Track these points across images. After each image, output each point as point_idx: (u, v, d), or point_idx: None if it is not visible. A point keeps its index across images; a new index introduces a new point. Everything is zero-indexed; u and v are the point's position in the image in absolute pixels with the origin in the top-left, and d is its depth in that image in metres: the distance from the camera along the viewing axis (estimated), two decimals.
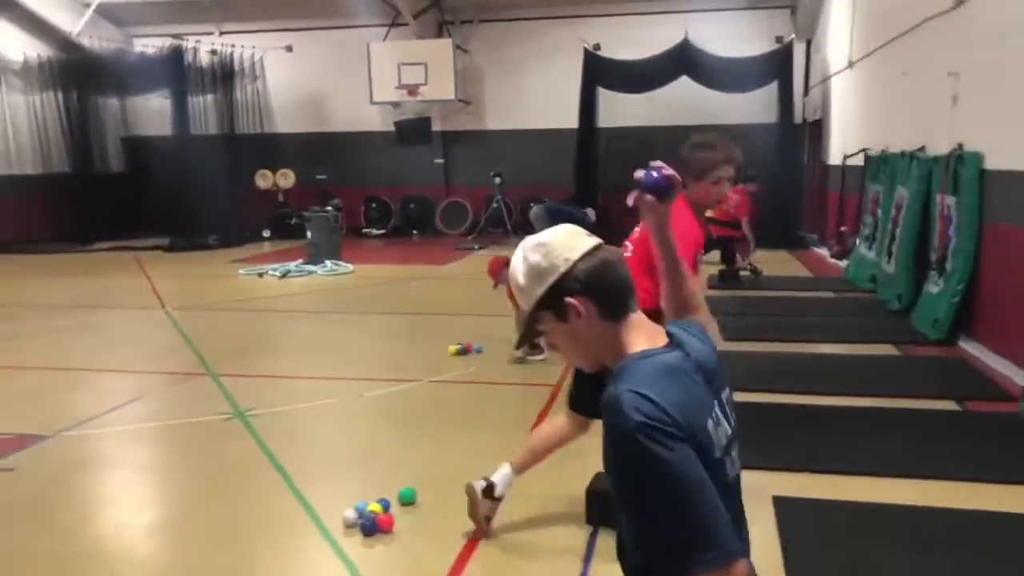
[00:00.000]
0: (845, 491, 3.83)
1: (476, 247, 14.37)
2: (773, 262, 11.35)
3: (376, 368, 6.35)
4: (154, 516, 3.82)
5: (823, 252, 12.66)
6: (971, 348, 6.55)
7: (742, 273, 10.12)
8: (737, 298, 8.93)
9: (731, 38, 14.37)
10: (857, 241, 10.15)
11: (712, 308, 7.72)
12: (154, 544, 3.54)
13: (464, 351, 6.65)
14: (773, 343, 6.87)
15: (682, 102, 14.38)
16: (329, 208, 12.70)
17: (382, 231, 17.04)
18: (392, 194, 17.19)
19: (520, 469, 3.47)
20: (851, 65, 11.69)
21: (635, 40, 14.67)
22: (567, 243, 1.64)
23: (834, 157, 13.13)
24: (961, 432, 4.68)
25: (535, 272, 1.64)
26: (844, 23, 12.12)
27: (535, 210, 12.16)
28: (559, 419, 3.49)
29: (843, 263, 11.46)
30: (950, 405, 5.18)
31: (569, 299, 1.60)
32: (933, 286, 7.17)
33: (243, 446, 4.64)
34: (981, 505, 3.66)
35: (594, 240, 1.65)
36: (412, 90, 16.17)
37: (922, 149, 8.08)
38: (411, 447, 4.59)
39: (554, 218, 11.56)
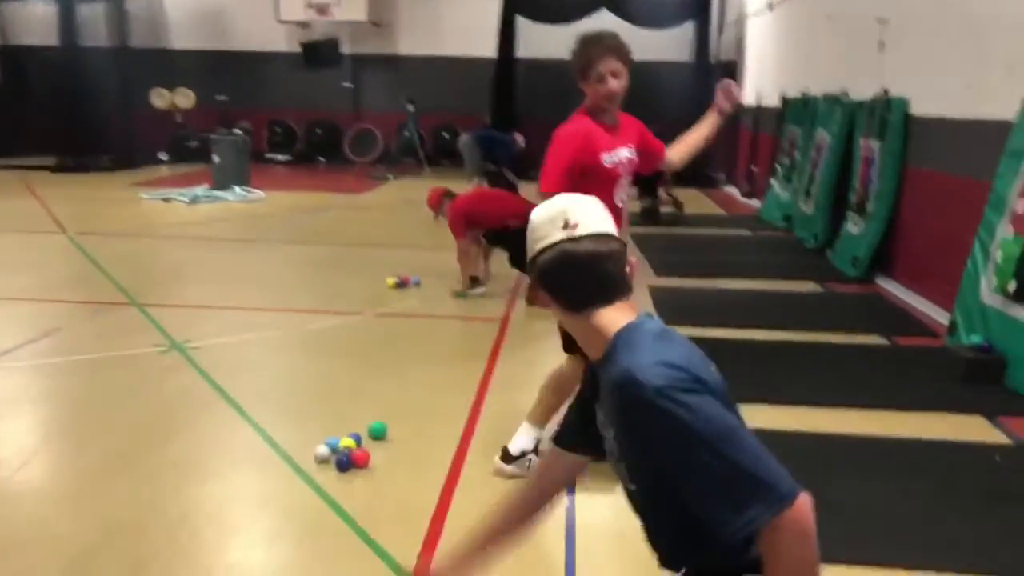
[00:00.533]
0: (788, 422, 3.93)
1: (390, 176, 14.03)
2: (687, 200, 11.56)
3: (314, 300, 6.14)
4: (102, 455, 3.59)
5: (733, 191, 12.99)
6: (888, 286, 6.89)
7: (663, 210, 10.27)
8: (660, 235, 9.06)
9: None
10: (772, 181, 10.43)
11: (638, 245, 7.90)
12: (112, 485, 3.33)
13: (402, 284, 6.51)
14: (700, 279, 7.03)
15: None
16: (238, 131, 12.08)
17: (287, 156, 16.38)
18: (298, 118, 16.52)
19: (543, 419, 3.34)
20: (771, 7, 11.85)
21: None
22: (540, 231, 1.56)
23: (747, 98, 13.38)
24: (895, 365, 4.93)
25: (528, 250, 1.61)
26: None
27: (464, 139, 11.94)
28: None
29: (752, 202, 11.83)
30: (879, 340, 5.44)
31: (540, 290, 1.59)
32: (853, 226, 7.47)
33: (187, 380, 4.42)
34: (925, 433, 3.88)
35: (566, 232, 1.53)
36: (322, 9, 15.45)
37: (845, 93, 8.31)
38: (370, 381, 4.48)
39: (483, 146, 11.42)
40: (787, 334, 5.46)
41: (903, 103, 6.83)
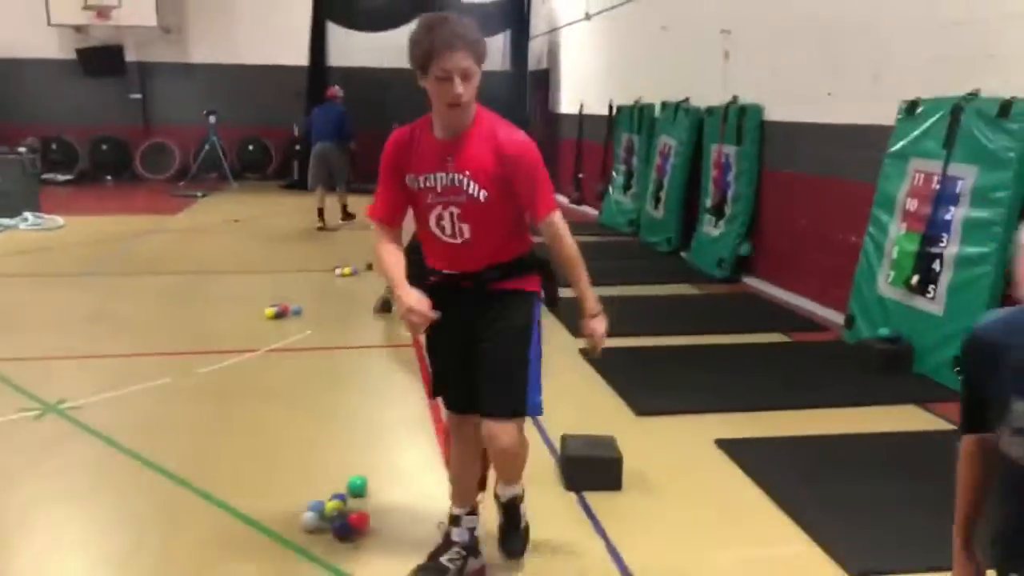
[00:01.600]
0: (741, 430, 3.96)
1: (199, 194, 12.94)
2: None
3: (190, 339, 5.42)
4: (27, 557, 2.89)
5: (561, 199, 13.22)
6: (755, 284, 7.26)
7: None
8: None
9: None
10: (610, 188, 10.71)
11: None
12: None
13: (281, 313, 5.94)
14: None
15: None
16: (22, 149, 10.58)
17: (68, 176, 14.64)
18: (79, 133, 14.82)
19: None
20: (588, 17, 12.19)
21: None
22: None
23: (566, 106, 13.71)
24: (805, 361, 5.11)
25: None
26: None
27: (317, 148, 10.95)
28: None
29: (583, 208, 12.12)
30: (779, 337, 5.67)
31: None
32: (712, 228, 7.79)
33: (86, 449, 3.71)
34: (870, 427, 4.02)
35: None
36: (102, 12, 13.96)
37: (686, 100, 8.68)
38: (312, 428, 3.98)
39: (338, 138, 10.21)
40: (689, 338, 5.54)
41: (758, 110, 7.22)
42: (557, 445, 3.60)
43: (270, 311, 5.90)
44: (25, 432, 3.89)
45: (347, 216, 10.16)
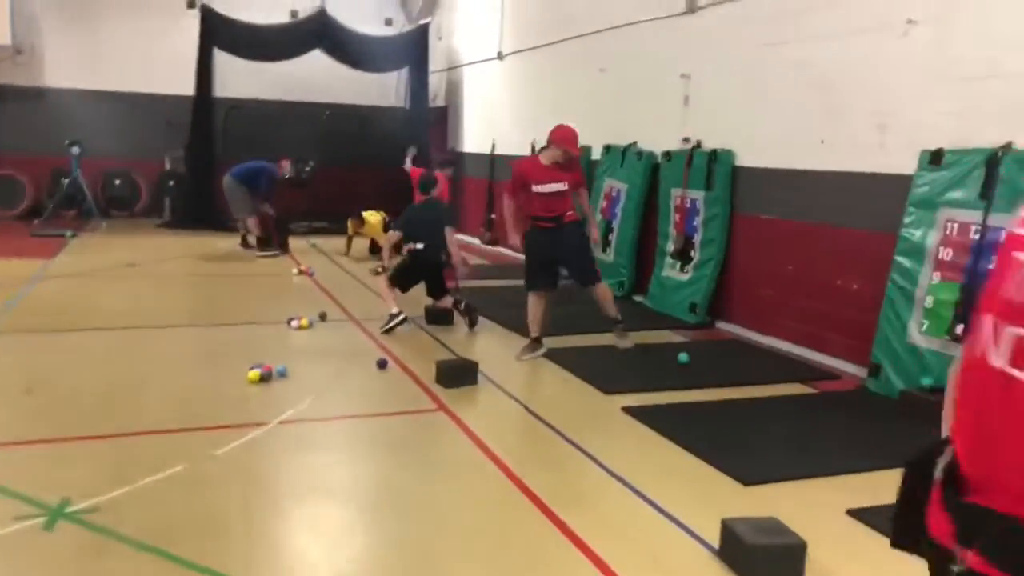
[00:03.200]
0: (880, 494, 3.76)
1: (68, 234, 11.48)
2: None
3: (170, 412, 4.53)
4: None
5: (471, 239, 12.83)
6: (731, 328, 7.19)
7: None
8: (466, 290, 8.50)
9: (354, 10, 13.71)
10: None
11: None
12: None
13: (267, 376, 5.18)
14: (562, 336, 6.64)
15: (306, 77, 13.34)
16: None
17: None
18: None
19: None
20: (501, 57, 11.97)
21: (249, 2, 13.09)
22: None
23: (472, 145, 13.38)
24: (846, 416, 4.97)
25: None
26: (488, 15, 12.34)
27: (226, 181, 10.58)
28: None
29: (499, 249, 11.79)
30: (802, 388, 5.54)
31: None
32: (679, 274, 7.67)
33: (128, 564, 2.92)
34: None
35: None
36: None
37: (634, 144, 8.59)
38: (386, 526, 3.36)
39: (246, 182, 10.26)
40: (719, 392, 5.31)
41: (730, 155, 7.20)
42: (696, 530, 3.28)
43: (254, 374, 5.12)
44: (42, 548, 3.03)
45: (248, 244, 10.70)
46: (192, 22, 12.76)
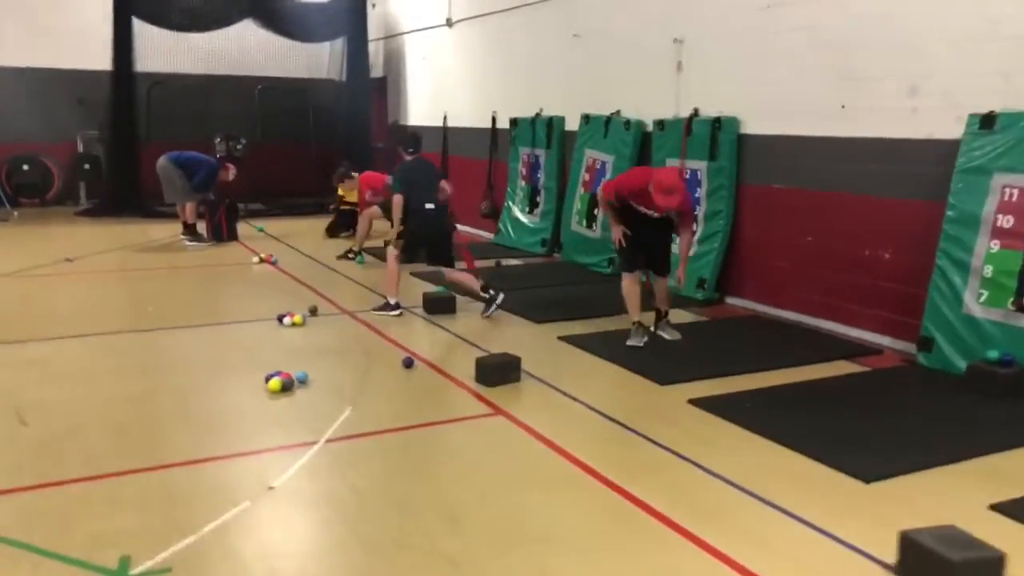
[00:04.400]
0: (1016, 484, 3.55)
1: None
2: None
3: (194, 438, 3.90)
4: None
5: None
6: (743, 303, 6.93)
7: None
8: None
9: None
10: (510, 205, 9.96)
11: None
12: None
13: (289, 384, 4.59)
14: (577, 321, 6.25)
15: (237, 49, 12.38)
16: None
17: None
18: None
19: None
20: (450, 23, 11.35)
21: None
22: None
23: (418, 118, 12.72)
24: (912, 394, 4.76)
25: None
26: None
27: (162, 163, 9.63)
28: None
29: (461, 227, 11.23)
30: (851, 367, 5.29)
31: None
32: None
33: None
34: None
35: None
36: None
37: (617, 113, 8.20)
38: (512, 559, 2.90)
39: (183, 167, 9.39)
40: (765, 376, 4.98)
41: (734, 122, 6.89)
42: (846, 539, 3.00)
43: (275, 383, 4.52)
44: None
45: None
46: None
